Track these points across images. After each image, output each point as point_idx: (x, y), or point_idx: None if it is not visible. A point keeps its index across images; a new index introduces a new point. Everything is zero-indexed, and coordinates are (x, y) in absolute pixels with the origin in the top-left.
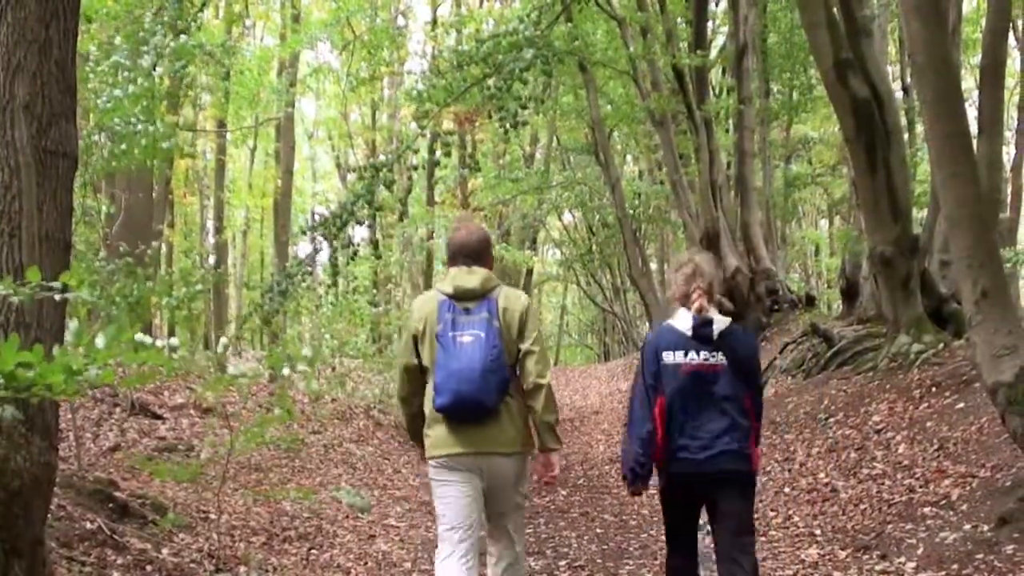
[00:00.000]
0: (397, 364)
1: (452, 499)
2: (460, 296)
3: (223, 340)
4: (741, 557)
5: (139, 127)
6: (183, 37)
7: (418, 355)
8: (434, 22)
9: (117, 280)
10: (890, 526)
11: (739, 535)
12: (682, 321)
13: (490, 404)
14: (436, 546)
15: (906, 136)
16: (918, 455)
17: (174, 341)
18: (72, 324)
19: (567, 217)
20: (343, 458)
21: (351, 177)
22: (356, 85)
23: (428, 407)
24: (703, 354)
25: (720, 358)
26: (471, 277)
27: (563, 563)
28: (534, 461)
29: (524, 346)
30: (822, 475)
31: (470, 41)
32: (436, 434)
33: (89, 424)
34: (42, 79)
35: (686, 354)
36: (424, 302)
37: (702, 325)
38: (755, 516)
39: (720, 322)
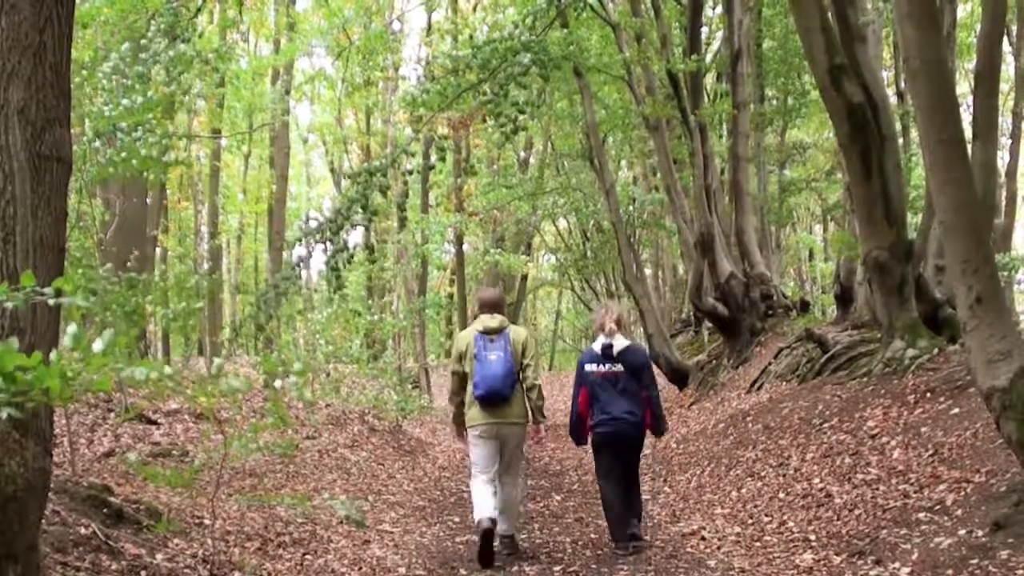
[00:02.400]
0: (450, 372)
1: (482, 450)
2: (487, 332)
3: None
4: (634, 481)
5: (141, 136)
6: (182, 45)
7: (462, 365)
8: (429, 28)
9: (116, 288)
10: (884, 531)
11: (634, 469)
12: (597, 344)
13: (507, 394)
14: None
15: (901, 141)
16: (913, 460)
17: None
18: (71, 328)
19: (561, 223)
20: (337, 463)
21: (346, 183)
22: (351, 90)
23: (468, 396)
24: (608, 365)
25: (620, 367)
26: (493, 320)
27: (557, 568)
28: (530, 429)
29: (526, 362)
30: (817, 480)
31: (465, 46)
32: (473, 412)
33: (83, 429)
34: (36, 84)
35: (598, 365)
36: (466, 335)
37: (607, 347)
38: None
39: (619, 344)
